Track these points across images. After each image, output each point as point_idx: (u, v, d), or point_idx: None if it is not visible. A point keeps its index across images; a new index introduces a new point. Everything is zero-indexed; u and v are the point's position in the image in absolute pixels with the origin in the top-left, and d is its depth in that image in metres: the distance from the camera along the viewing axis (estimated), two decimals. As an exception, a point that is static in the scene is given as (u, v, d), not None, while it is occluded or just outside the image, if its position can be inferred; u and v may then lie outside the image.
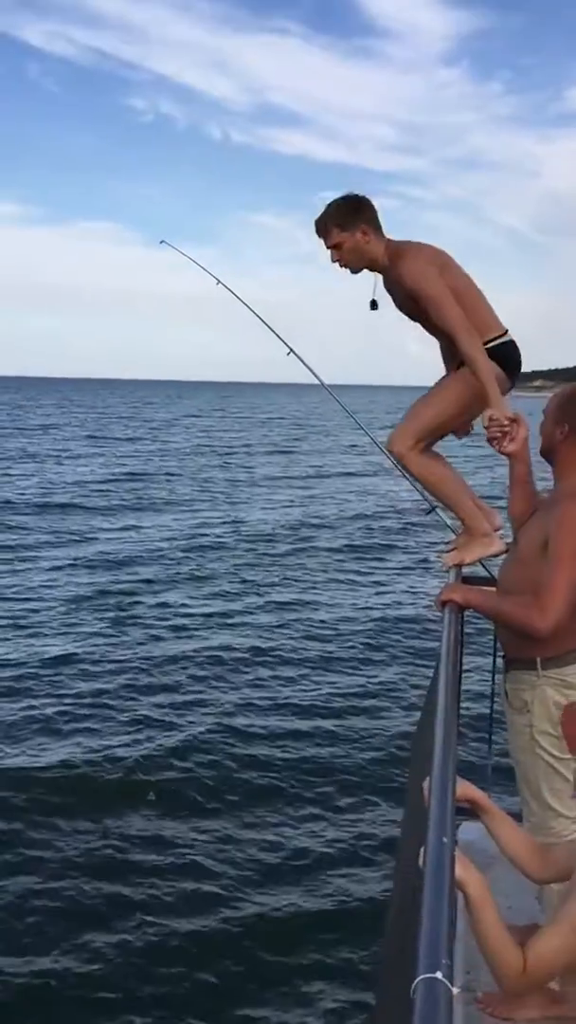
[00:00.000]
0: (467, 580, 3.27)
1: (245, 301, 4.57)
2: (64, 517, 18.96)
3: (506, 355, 3.34)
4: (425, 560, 14.75)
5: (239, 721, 7.71)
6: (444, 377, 3.49)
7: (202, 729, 7.53)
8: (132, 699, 8.22)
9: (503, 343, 3.35)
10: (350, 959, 4.80)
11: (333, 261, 3.42)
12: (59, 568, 13.91)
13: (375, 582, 13.47)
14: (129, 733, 7.39)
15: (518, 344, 3.43)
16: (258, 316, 4.51)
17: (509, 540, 3.23)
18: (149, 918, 5.02)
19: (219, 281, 4.69)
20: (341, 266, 3.41)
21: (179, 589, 12.68)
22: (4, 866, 5.46)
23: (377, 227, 3.40)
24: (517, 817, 2.99)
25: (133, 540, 16.49)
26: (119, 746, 7.15)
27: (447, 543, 3.55)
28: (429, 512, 3.92)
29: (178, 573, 13.69)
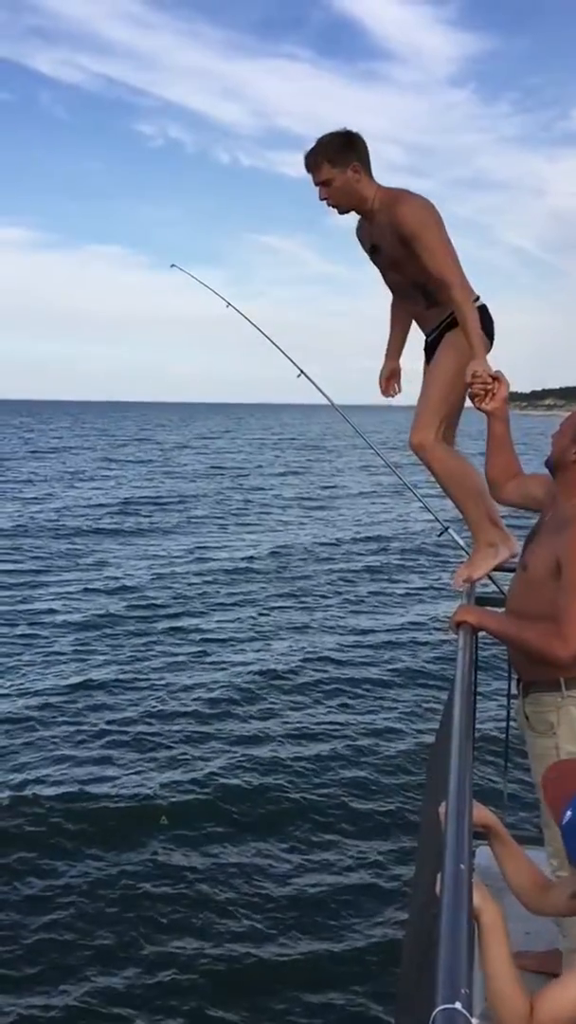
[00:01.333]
0: (480, 601, 3.24)
1: (255, 323, 4.59)
2: (78, 541, 18.97)
3: (482, 318, 3.23)
4: (439, 580, 14.68)
5: (252, 747, 7.65)
6: (431, 364, 3.41)
7: (214, 755, 7.48)
8: (145, 724, 8.17)
9: (480, 306, 3.25)
10: (366, 991, 4.72)
11: (321, 199, 3.26)
12: (73, 593, 13.88)
13: (388, 605, 13.39)
14: (142, 760, 7.34)
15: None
16: (268, 338, 4.52)
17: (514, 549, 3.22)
18: (157, 948, 4.96)
19: (229, 303, 4.71)
20: (329, 204, 3.26)
21: (193, 614, 12.63)
22: (15, 893, 5.42)
23: (368, 167, 3.25)
24: (535, 841, 2.95)
25: (147, 564, 16.45)
26: (132, 773, 7.10)
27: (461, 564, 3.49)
28: (442, 533, 3.90)
29: (192, 597, 13.65)
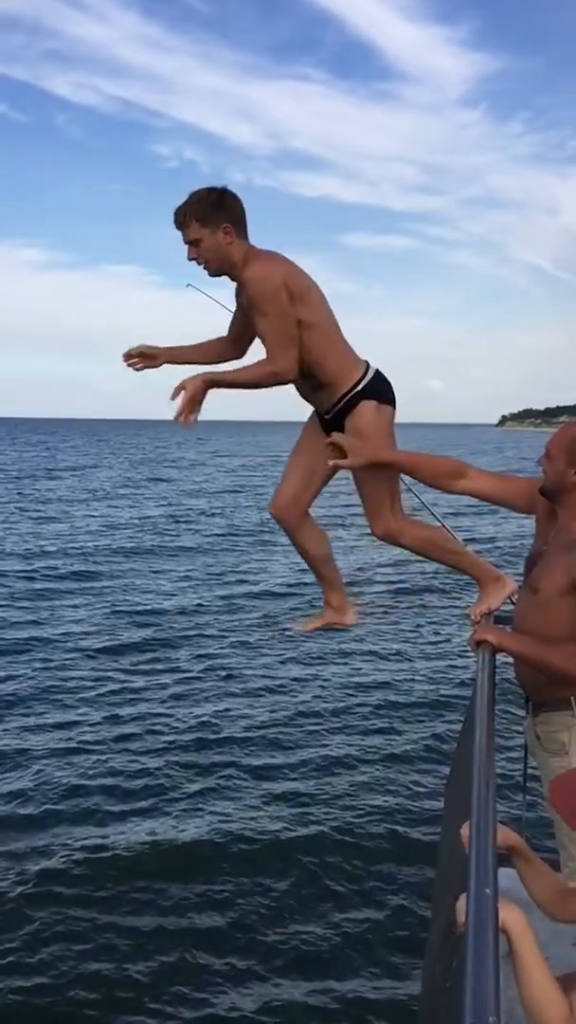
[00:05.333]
0: (497, 621, 3.23)
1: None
2: (95, 561, 18.91)
3: (380, 389, 3.17)
4: (460, 602, 14.55)
5: (268, 774, 7.59)
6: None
7: (230, 784, 7.41)
8: (158, 754, 8.08)
9: (371, 379, 3.15)
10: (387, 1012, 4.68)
11: (190, 258, 3.06)
12: (88, 616, 13.79)
13: (409, 629, 13.24)
14: (159, 792, 7.26)
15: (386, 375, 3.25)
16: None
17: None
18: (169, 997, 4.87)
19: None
20: (199, 264, 3.06)
21: (211, 637, 12.51)
22: (31, 941, 5.33)
23: (242, 228, 3.06)
24: (554, 866, 2.93)
25: (163, 586, 16.35)
26: (149, 807, 7.02)
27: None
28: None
29: (210, 621, 13.52)
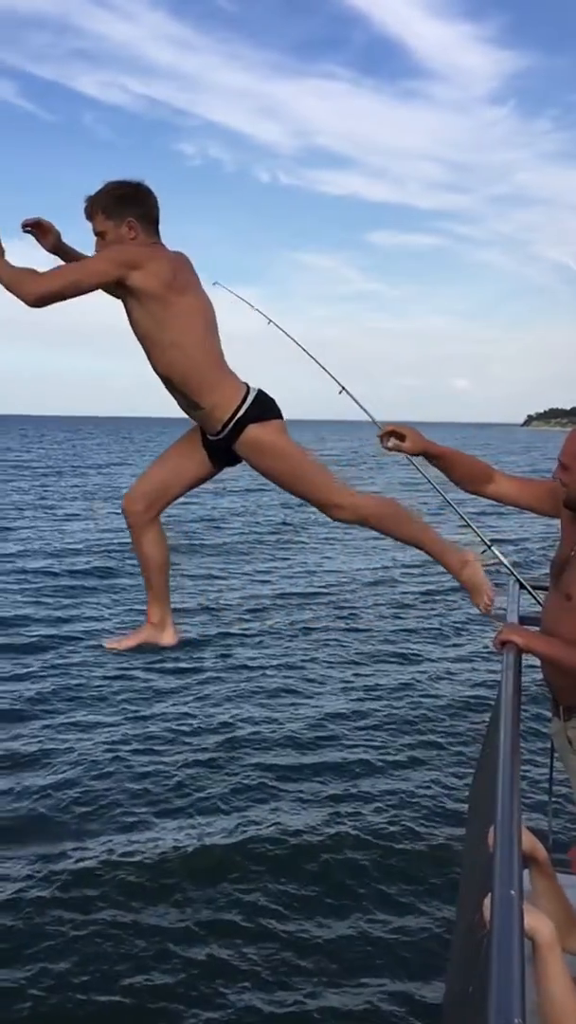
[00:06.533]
0: (523, 621, 3.20)
1: (297, 340, 4.60)
2: (125, 559, 18.66)
3: (262, 411, 3.06)
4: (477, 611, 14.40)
5: (296, 783, 7.55)
6: (264, 471, 3.16)
7: (257, 789, 7.40)
8: (183, 755, 8.08)
9: (252, 404, 3.04)
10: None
11: (96, 251, 3.00)
12: (118, 616, 13.80)
13: (433, 631, 13.14)
14: (178, 798, 7.23)
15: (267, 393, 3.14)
16: (310, 355, 4.52)
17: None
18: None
19: (270, 320, 4.72)
20: None
21: (239, 642, 12.41)
22: (62, 941, 5.34)
23: (149, 225, 2.99)
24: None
25: (189, 585, 16.26)
26: (172, 810, 7.02)
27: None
28: (485, 551, 3.85)
29: (236, 624, 13.44)
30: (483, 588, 3.18)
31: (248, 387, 3.07)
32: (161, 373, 3.05)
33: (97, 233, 2.98)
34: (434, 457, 3.14)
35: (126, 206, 2.93)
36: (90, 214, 2.97)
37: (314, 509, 3.26)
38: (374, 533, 3.23)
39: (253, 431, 3.04)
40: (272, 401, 3.14)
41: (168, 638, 3.48)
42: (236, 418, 3.02)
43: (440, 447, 3.16)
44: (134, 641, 3.48)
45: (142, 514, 3.32)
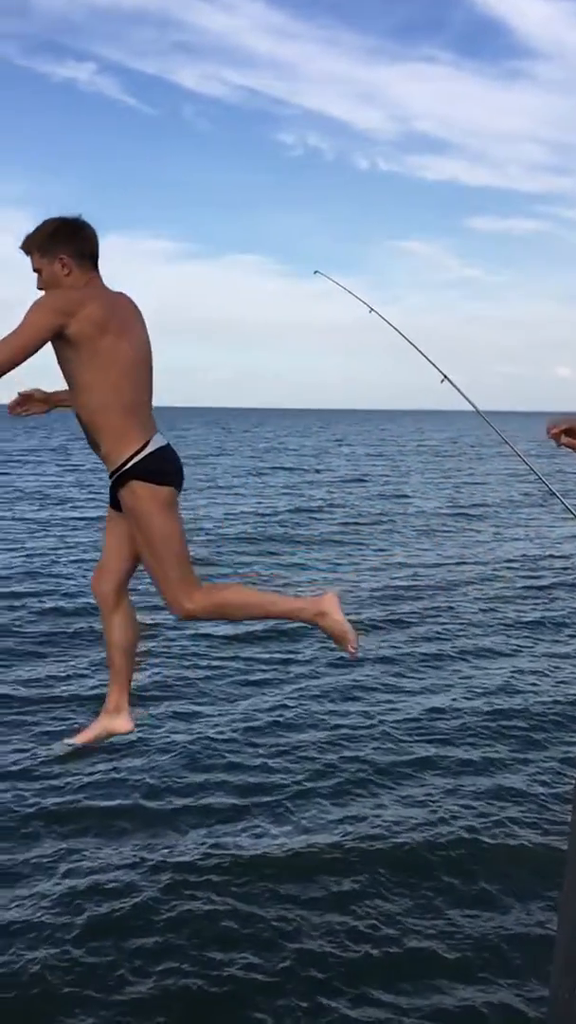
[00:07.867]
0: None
1: (398, 328, 4.53)
2: (223, 551, 18.65)
3: (153, 469, 3.01)
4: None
5: (396, 783, 7.42)
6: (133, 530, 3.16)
7: (358, 785, 7.30)
8: (281, 749, 8.03)
9: (145, 458, 2.99)
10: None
11: (38, 288, 3.01)
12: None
13: (542, 629, 12.71)
14: (276, 794, 7.13)
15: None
16: (412, 343, 4.45)
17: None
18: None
19: (372, 309, 4.67)
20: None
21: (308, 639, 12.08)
22: (162, 931, 5.39)
23: (84, 261, 3.00)
24: None
25: (285, 576, 16.02)
26: (268, 805, 6.95)
27: None
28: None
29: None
30: (346, 635, 3.33)
31: (150, 442, 3.02)
32: (76, 413, 3.06)
33: (34, 270, 3.02)
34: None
35: (59, 243, 2.97)
36: (27, 252, 3.01)
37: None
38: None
39: (133, 487, 3.01)
40: (175, 466, 3.12)
41: (124, 725, 3.48)
42: (122, 469, 3.00)
43: None
44: (92, 734, 3.50)
45: (110, 595, 3.34)
